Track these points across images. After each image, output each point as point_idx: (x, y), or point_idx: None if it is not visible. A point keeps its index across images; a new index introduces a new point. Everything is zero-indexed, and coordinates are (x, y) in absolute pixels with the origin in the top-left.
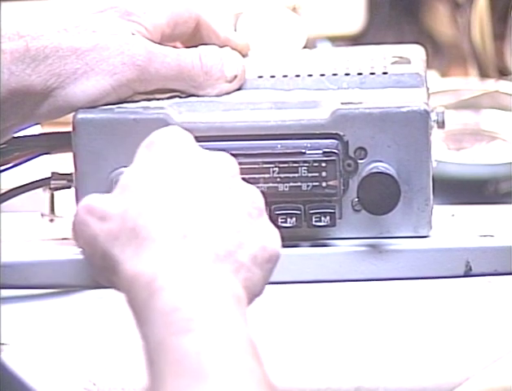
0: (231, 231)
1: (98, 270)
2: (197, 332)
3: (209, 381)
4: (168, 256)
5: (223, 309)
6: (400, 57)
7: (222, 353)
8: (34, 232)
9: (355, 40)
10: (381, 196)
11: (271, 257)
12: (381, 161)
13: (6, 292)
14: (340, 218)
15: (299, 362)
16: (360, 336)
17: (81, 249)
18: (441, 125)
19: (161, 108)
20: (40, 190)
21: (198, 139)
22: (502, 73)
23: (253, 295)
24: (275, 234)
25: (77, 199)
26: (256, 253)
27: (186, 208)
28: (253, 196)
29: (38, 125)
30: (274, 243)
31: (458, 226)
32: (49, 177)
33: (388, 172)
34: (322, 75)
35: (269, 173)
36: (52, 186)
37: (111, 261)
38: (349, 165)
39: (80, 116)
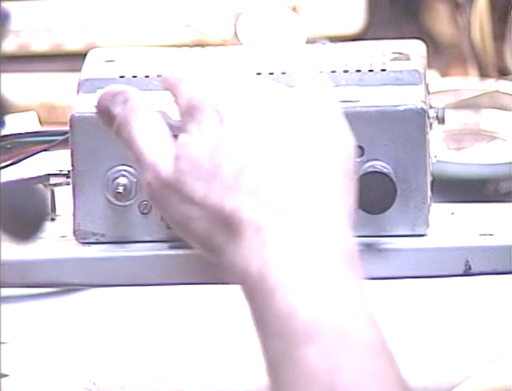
0: (338, 200)
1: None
2: (324, 344)
3: None
4: (275, 247)
5: (347, 307)
6: (400, 53)
7: (354, 368)
8: None
9: (355, 40)
10: (377, 195)
11: None
12: (378, 160)
13: (5, 291)
14: None
15: None
16: None
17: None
18: (441, 120)
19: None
20: None
21: None
22: (502, 73)
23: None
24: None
25: (74, 197)
26: (352, 215)
27: (288, 177)
28: (349, 147)
29: (37, 124)
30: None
31: (458, 225)
32: (48, 175)
33: (384, 171)
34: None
35: None
36: (51, 183)
37: (211, 245)
38: None
39: (77, 114)
